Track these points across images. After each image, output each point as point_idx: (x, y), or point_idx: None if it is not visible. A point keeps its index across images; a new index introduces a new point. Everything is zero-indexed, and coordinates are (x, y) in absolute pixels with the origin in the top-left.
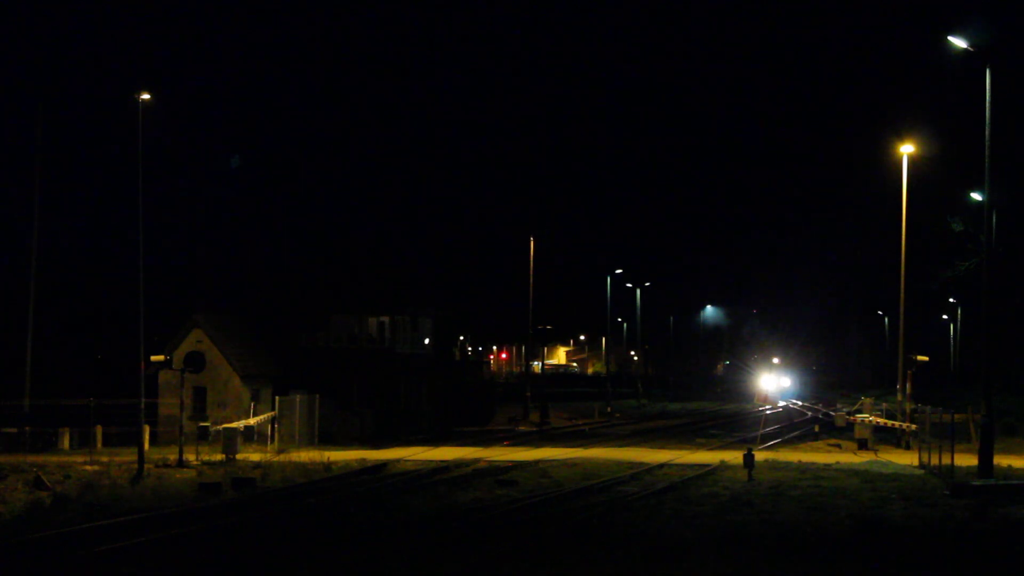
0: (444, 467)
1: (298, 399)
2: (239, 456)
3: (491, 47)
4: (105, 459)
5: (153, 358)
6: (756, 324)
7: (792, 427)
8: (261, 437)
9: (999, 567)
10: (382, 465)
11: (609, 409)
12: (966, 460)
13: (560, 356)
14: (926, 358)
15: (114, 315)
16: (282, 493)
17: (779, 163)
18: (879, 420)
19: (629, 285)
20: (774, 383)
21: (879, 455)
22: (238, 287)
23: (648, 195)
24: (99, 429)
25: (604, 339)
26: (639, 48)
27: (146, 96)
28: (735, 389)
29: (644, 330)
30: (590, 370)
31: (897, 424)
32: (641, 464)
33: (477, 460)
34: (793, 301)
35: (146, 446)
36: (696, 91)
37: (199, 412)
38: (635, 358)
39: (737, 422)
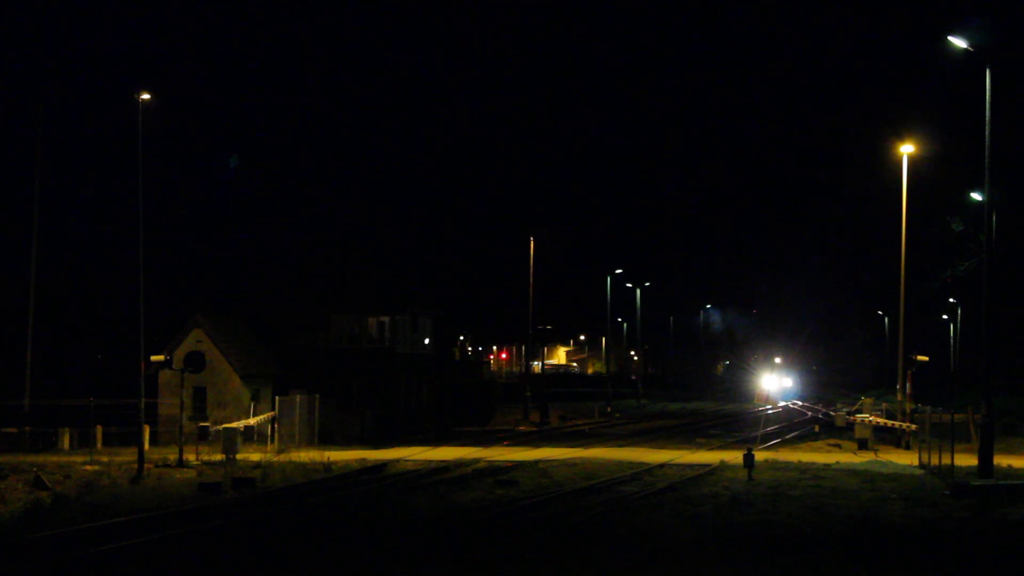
0: (444, 467)
1: (298, 399)
2: (239, 456)
3: (491, 46)
4: (105, 459)
5: (153, 358)
6: (756, 324)
7: (792, 427)
8: (261, 437)
9: (999, 567)
10: (382, 465)
11: (609, 409)
12: (966, 460)
13: (560, 356)
14: (926, 358)
15: (114, 315)
16: (282, 493)
17: (779, 163)
18: (879, 420)
19: (629, 285)
20: (775, 383)
21: (879, 455)
22: (238, 287)
23: (648, 195)
24: (99, 429)
25: (604, 339)
26: (639, 48)
27: (146, 96)
28: (735, 389)
29: (644, 330)
30: (590, 370)
31: (897, 424)
32: (641, 464)
33: (477, 460)
34: (793, 301)
35: (146, 446)
36: (696, 90)
37: (199, 412)
38: (635, 358)
39: (737, 422)
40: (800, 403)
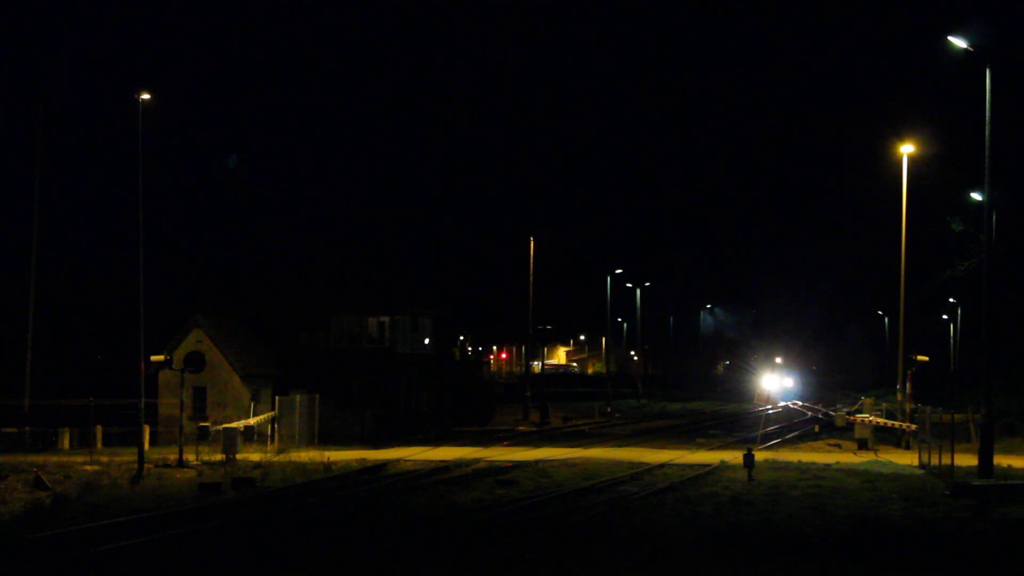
0: (444, 467)
1: (298, 399)
2: (239, 456)
3: (491, 46)
4: (105, 459)
5: (153, 358)
6: (756, 324)
7: (792, 427)
8: (261, 437)
9: (999, 567)
10: (382, 465)
11: (609, 409)
12: (966, 460)
13: (560, 356)
14: (926, 358)
15: (114, 315)
16: (282, 493)
17: (779, 163)
18: (879, 420)
19: (629, 285)
20: (775, 383)
21: (879, 455)
22: (238, 287)
23: (648, 194)
24: (99, 429)
25: (604, 339)
26: (639, 48)
27: (146, 96)
28: (735, 389)
29: (644, 330)
30: (590, 370)
31: (897, 424)
32: (641, 464)
33: (477, 460)
34: (794, 301)
35: (146, 446)
36: (696, 90)
37: (199, 412)
38: (635, 358)
39: (737, 422)
40: (800, 403)
